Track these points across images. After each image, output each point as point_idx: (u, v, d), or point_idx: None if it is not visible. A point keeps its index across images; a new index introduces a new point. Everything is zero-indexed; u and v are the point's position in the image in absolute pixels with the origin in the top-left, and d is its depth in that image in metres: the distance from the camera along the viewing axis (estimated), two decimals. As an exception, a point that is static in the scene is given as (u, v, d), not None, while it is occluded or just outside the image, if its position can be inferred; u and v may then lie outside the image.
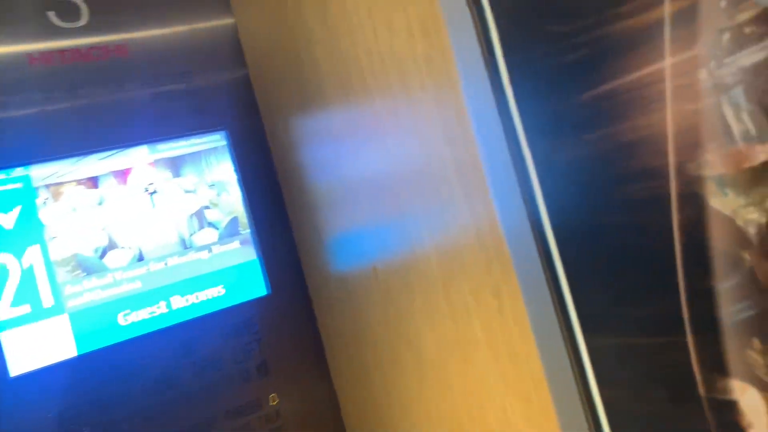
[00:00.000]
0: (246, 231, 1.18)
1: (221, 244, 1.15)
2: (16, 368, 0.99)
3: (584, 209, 0.58)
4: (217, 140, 1.19)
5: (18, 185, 1.04)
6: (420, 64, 0.76)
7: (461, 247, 0.76)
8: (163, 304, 1.10)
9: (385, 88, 0.84)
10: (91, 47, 1.10)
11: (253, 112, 1.22)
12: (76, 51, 1.09)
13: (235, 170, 1.19)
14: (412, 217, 0.85)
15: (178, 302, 1.11)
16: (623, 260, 0.55)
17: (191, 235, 1.14)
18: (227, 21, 1.23)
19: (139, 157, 1.13)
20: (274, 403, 1.14)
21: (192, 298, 1.12)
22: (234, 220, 1.17)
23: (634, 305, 0.55)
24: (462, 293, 0.77)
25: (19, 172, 1.05)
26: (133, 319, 1.08)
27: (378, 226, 0.96)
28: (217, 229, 1.16)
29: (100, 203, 1.09)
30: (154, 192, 1.13)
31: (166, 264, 1.11)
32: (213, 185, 1.17)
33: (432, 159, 0.78)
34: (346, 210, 1.04)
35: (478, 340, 0.75)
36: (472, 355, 0.77)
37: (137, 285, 1.09)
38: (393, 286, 0.93)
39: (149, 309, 1.09)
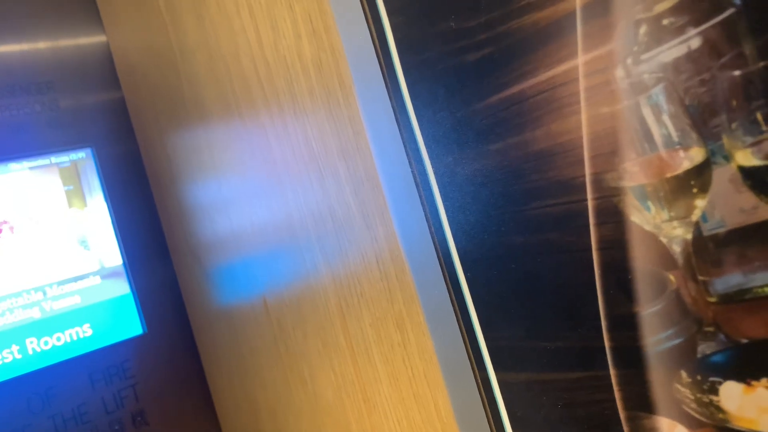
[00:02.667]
0: (117, 262, 1.03)
1: (87, 277, 1.00)
2: None
3: (492, 229, 0.51)
4: (81, 158, 1.04)
5: None
6: (308, 68, 0.68)
7: (360, 274, 0.67)
8: (15, 348, 0.94)
9: (271, 98, 0.75)
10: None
11: (125, 131, 1.09)
12: None
13: (104, 192, 1.05)
14: (305, 242, 0.76)
15: (34, 345, 0.95)
16: (536, 286, 0.49)
17: (50, 267, 0.98)
18: (98, 38, 1.10)
19: (-15, 178, 0.96)
20: (151, 459, 1.00)
21: (52, 341, 0.96)
22: (103, 249, 1.03)
23: (550, 337, 0.49)
24: (361, 326, 0.68)
25: None
26: (-25, 370, 0.90)
27: (268, 254, 0.86)
28: (83, 260, 1.01)
29: (-69, 232, 0.91)
30: (5, 221, 0.97)
31: (19, 300, 0.95)
32: (79, 211, 1.02)
33: (325, 176, 0.69)
34: (231, 236, 0.93)
35: (380, 378, 0.67)
36: (373, 396, 0.69)
37: (-19, 328, 0.92)
38: (285, 320, 0.83)
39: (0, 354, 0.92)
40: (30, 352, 0.95)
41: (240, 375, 0.94)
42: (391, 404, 0.66)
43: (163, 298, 1.06)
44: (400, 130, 0.57)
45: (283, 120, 0.73)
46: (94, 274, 1.01)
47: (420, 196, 0.57)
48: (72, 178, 1.03)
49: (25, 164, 1.00)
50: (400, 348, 0.63)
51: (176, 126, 0.97)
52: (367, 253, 0.65)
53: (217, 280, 0.99)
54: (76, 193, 1.03)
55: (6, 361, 0.93)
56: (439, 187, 0.54)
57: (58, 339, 0.97)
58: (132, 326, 1.03)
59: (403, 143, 0.57)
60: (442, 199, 0.55)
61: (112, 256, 1.03)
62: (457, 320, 0.55)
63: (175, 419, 1.03)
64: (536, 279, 0.48)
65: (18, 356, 0.94)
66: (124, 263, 1.03)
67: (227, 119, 0.85)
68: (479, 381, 0.54)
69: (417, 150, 0.56)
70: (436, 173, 0.55)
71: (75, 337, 0.98)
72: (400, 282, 0.61)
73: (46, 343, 0.96)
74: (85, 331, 0.99)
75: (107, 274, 1.02)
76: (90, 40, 1.10)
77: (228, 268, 0.96)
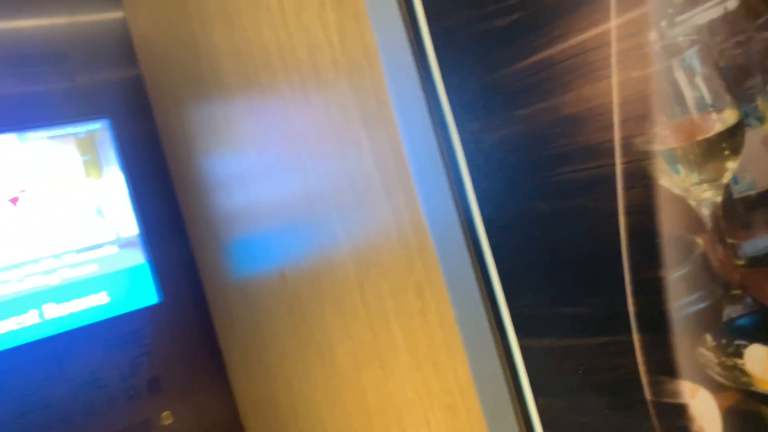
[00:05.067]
0: (133, 232, 1.04)
1: (104, 246, 1.01)
2: None
3: (517, 195, 0.52)
4: (98, 129, 1.05)
5: None
6: (332, 37, 0.68)
7: (380, 244, 0.68)
8: (34, 313, 0.95)
9: (293, 69, 0.75)
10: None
11: (142, 104, 1.09)
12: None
13: (120, 163, 1.05)
14: (324, 214, 0.76)
15: (52, 311, 0.96)
16: (561, 251, 0.49)
17: (69, 235, 0.99)
18: (116, 13, 1.10)
19: (8, 149, 0.97)
20: (168, 422, 1.01)
21: (70, 307, 0.98)
22: (119, 219, 1.03)
23: (574, 302, 0.49)
24: (380, 294, 0.69)
25: None
26: (2, 330, 0.92)
27: (286, 226, 0.87)
28: (100, 229, 1.02)
29: (-47, 197, 0.92)
30: (23, 190, 0.97)
31: (38, 267, 0.96)
32: (96, 180, 1.03)
33: (346, 147, 0.69)
34: (248, 209, 0.94)
35: (398, 346, 0.68)
36: (390, 364, 0.69)
37: (8, 290, 0.93)
38: (302, 291, 0.84)
39: (17, 319, 0.93)
40: (48, 317, 0.96)
41: (255, 345, 0.95)
42: (409, 372, 0.67)
43: (179, 269, 1.07)
44: (426, 98, 0.57)
45: (305, 91, 0.73)
46: (111, 243, 1.02)
47: (444, 164, 0.57)
48: (89, 149, 1.03)
49: (43, 134, 1.01)
50: (420, 316, 0.64)
51: (194, 98, 0.97)
52: (388, 222, 0.66)
53: (234, 253, 0.99)
54: (92, 163, 1.03)
55: (24, 325, 0.95)
56: (465, 155, 0.54)
57: (76, 306, 0.98)
58: (148, 295, 1.04)
59: (429, 111, 0.57)
60: (468, 167, 0.55)
61: (129, 225, 1.04)
62: (479, 287, 0.56)
63: (189, 387, 1.05)
64: (561, 245, 0.48)
65: (36, 321, 0.95)
66: (140, 233, 1.04)
67: (246, 91, 0.85)
68: (500, 347, 0.55)
69: (442, 117, 0.56)
70: (462, 140, 0.55)
71: (92, 305, 1.00)
72: (420, 251, 0.62)
73: (63, 309, 0.97)
74: (102, 298, 1.01)
75: (124, 244, 1.03)
76: (108, 14, 1.10)
77: (245, 240, 0.96)
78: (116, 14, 1.10)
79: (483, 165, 0.54)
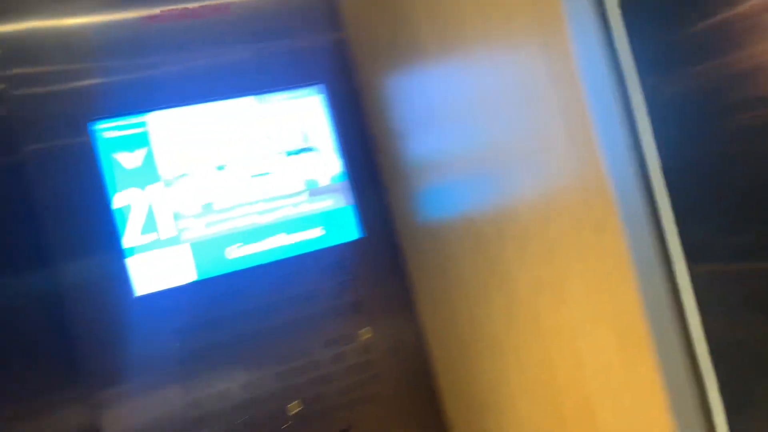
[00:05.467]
0: (341, 180, 1.24)
1: (321, 192, 1.22)
2: (141, 288, 1.10)
3: (691, 140, 0.59)
4: (314, 93, 1.25)
5: (138, 130, 1.14)
6: (525, 6, 0.78)
7: (562, 186, 0.78)
8: (268, 241, 1.19)
9: (487, 34, 0.87)
10: (201, 7, 1.18)
11: (348, 67, 1.27)
12: (188, 11, 1.17)
13: (331, 123, 1.25)
14: (510, 162, 0.88)
15: (281, 240, 1.20)
16: (732, 188, 0.57)
17: (295, 181, 1.21)
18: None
19: (246, 107, 1.21)
20: (366, 336, 1.22)
21: (294, 237, 1.20)
22: (332, 169, 1.24)
23: (740, 232, 0.57)
24: (561, 232, 0.80)
25: (138, 119, 1.15)
26: (243, 254, 1.17)
27: (474, 175, 0.99)
28: (317, 176, 1.23)
29: (213, 148, 1.18)
30: (261, 143, 1.21)
31: (271, 205, 1.20)
32: (313, 137, 1.24)
33: (533, 101, 0.80)
34: (440, 160, 1.08)
35: (574, 275, 0.78)
36: (566, 292, 0.81)
37: (247, 222, 1.18)
38: (487, 231, 0.97)
39: (257, 244, 1.18)
40: (278, 245, 1.19)
41: (441, 277, 1.11)
42: (583, 298, 0.77)
43: (376, 211, 1.25)
44: (607, 56, 0.66)
45: (497, 53, 0.85)
46: (326, 188, 1.22)
47: (622, 114, 0.66)
48: (306, 109, 1.24)
49: (272, 96, 1.22)
50: (596, 249, 0.74)
51: (393, 62, 1.13)
52: (571, 167, 0.76)
53: (424, 198, 1.15)
54: (310, 120, 1.24)
55: (259, 251, 1.18)
56: (646, 105, 0.63)
57: (298, 237, 1.21)
58: (352, 231, 1.24)
59: (610, 67, 0.66)
60: (648, 116, 0.64)
61: (338, 174, 1.23)
62: (651, 222, 0.64)
63: (383, 310, 1.23)
64: (732, 182, 0.55)
65: (269, 247, 1.19)
66: (347, 181, 1.24)
67: (442, 54, 0.98)
68: (668, 273, 0.64)
69: (621, 73, 0.65)
70: (644, 92, 0.63)
71: (310, 237, 1.21)
72: (599, 191, 0.71)
73: (289, 239, 1.20)
74: (318, 232, 1.22)
75: (335, 189, 1.23)
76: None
77: (434, 187, 1.12)
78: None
79: (663, 114, 0.62)
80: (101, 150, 1.10)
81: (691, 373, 0.66)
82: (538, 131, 0.80)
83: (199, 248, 1.15)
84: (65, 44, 1.08)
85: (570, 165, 0.75)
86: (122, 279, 1.09)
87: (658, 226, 0.64)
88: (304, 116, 1.24)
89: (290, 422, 1.16)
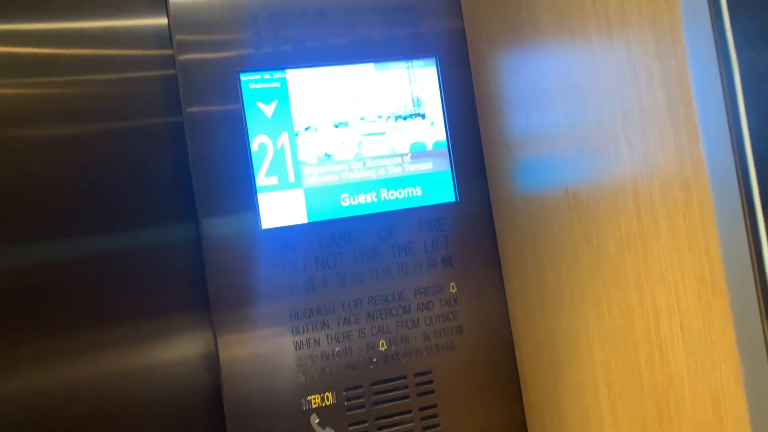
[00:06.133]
0: (444, 146, 1.37)
1: (424, 155, 1.36)
2: (266, 223, 1.27)
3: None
4: (428, 65, 1.39)
5: (277, 84, 1.31)
6: (641, -11, 0.88)
7: (658, 152, 0.88)
8: (374, 193, 1.34)
9: (602, 16, 0.98)
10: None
11: (462, 42, 1.40)
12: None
13: (441, 93, 1.39)
14: (611, 134, 0.98)
15: (385, 195, 1.34)
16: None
17: (402, 143, 1.35)
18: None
19: (366, 73, 1.36)
20: (453, 290, 1.35)
21: (396, 194, 1.35)
22: (436, 135, 1.37)
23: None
24: (650, 189, 0.90)
25: (278, 74, 1.31)
26: (352, 203, 1.32)
27: (575, 148, 1.09)
28: (422, 140, 1.37)
29: (335, 107, 1.33)
30: (376, 106, 1.35)
31: (378, 163, 1.34)
32: (423, 105, 1.38)
33: (640, 76, 0.90)
34: (541, 135, 1.19)
35: (660, 231, 0.88)
36: (650, 247, 0.91)
37: (357, 176, 1.33)
38: (581, 197, 1.08)
39: (364, 196, 1.33)
40: (383, 198, 1.34)
41: (530, 243, 1.22)
42: (666, 251, 0.87)
43: (472, 177, 1.38)
44: (714, 35, 0.76)
45: (609, 34, 0.96)
46: (429, 152, 1.35)
47: (722, 90, 0.76)
48: (419, 79, 1.37)
49: (390, 65, 1.37)
50: (683, 206, 0.84)
51: (507, 42, 1.25)
52: (668, 137, 0.86)
53: (521, 169, 1.27)
54: (420, 91, 1.37)
55: (364, 202, 1.33)
56: (741, 77, 0.72)
57: (400, 194, 1.35)
58: (448, 194, 1.37)
59: (716, 46, 0.76)
60: (743, 93, 0.73)
61: (441, 140, 1.36)
62: (738, 179, 0.74)
63: (471, 268, 1.36)
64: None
65: (375, 200, 1.33)
66: (448, 147, 1.37)
67: (558, 33, 1.10)
68: (748, 229, 0.73)
69: (727, 52, 0.74)
70: (740, 70, 0.73)
71: (411, 195, 1.35)
72: (692, 154, 0.81)
73: (392, 194, 1.34)
74: (417, 192, 1.36)
75: (437, 154, 1.36)
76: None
77: (533, 159, 1.23)
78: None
79: (757, 92, 0.71)
80: (246, 98, 1.27)
81: (761, 319, 0.76)
82: (642, 107, 0.90)
83: (314, 194, 1.31)
84: (226, 11, 1.27)
85: (667, 134, 0.86)
86: (253, 213, 1.26)
87: (746, 186, 0.73)
88: (416, 85, 1.37)
89: (376, 359, 1.30)
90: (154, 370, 1.25)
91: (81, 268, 1.24)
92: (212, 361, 1.25)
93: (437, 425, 1.31)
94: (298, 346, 1.25)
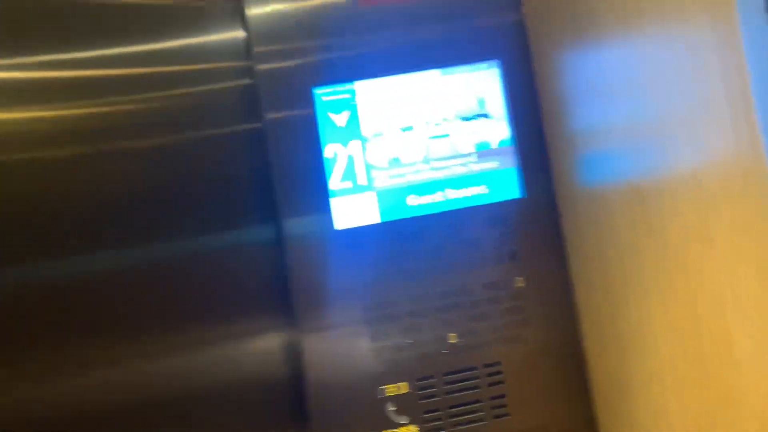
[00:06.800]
0: (509, 144, 1.42)
1: (489, 154, 1.41)
2: (339, 223, 1.36)
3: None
4: (491, 67, 1.44)
5: (347, 95, 1.40)
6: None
7: (716, 148, 0.90)
8: (440, 193, 1.40)
9: (658, 12, 1.00)
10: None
11: (524, 44, 1.44)
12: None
13: (504, 94, 1.43)
14: (672, 130, 1.00)
15: (452, 194, 1.40)
16: None
17: (467, 143, 1.41)
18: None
19: (432, 79, 1.42)
20: (520, 285, 1.39)
21: (462, 192, 1.40)
22: (501, 134, 1.42)
23: None
24: (711, 187, 0.91)
25: (348, 86, 1.40)
26: (420, 202, 1.39)
27: (638, 143, 1.12)
28: (487, 140, 1.42)
29: (402, 112, 1.41)
30: (441, 110, 1.42)
31: (444, 163, 1.40)
32: (487, 105, 1.43)
33: (699, 70, 0.92)
34: (604, 129, 1.22)
35: (723, 222, 0.90)
36: (713, 238, 0.92)
37: (424, 177, 1.40)
38: (643, 194, 1.10)
39: (431, 196, 1.40)
40: (449, 197, 1.40)
41: (595, 236, 1.25)
42: (729, 241, 0.89)
43: (538, 173, 1.42)
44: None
45: (670, 27, 0.98)
46: (494, 151, 1.41)
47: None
48: (482, 84, 1.43)
49: (455, 70, 1.42)
50: (743, 196, 0.85)
51: (568, 40, 1.28)
52: (727, 129, 0.87)
53: (585, 165, 1.30)
54: (484, 94, 1.42)
55: (432, 202, 1.39)
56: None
57: (466, 192, 1.40)
58: (514, 191, 1.41)
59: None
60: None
61: (506, 140, 1.41)
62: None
63: (537, 259, 1.40)
64: None
65: (442, 199, 1.40)
66: (513, 146, 1.41)
67: (618, 29, 1.12)
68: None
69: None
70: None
71: (477, 193, 1.41)
72: (751, 145, 0.83)
73: (458, 193, 1.40)
74: (484, 190, 1.41)
75: (502, 152, 1.41)
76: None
77: (596, 155, 1.26)
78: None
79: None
80: (319, 110, 1.37)
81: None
82: (701, 101, 0.92)
83: (384, 195, 1.39)
84: (299, 24, 1.37)
85: (727, 127, 0.88)
86: (326, 215, 1.36)
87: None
88: (480, 87, 1.43)
89: (446, 350, 1.37)
90: (237, 363, 1.36)
91: (170, 270, 1.37)
92: (293, 353, 1.34)
93: (507, 414, 1.36)
94: (372, 337, 1.34)
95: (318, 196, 1.36)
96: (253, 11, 1.37)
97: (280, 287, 1.36)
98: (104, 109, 1.38)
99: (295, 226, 1.35)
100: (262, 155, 1.37)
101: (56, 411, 1.32)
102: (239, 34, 1.41)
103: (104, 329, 1.34)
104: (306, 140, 1.37)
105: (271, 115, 1.36)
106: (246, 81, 1.40)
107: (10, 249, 1.33)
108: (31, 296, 1.33)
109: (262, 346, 1.39)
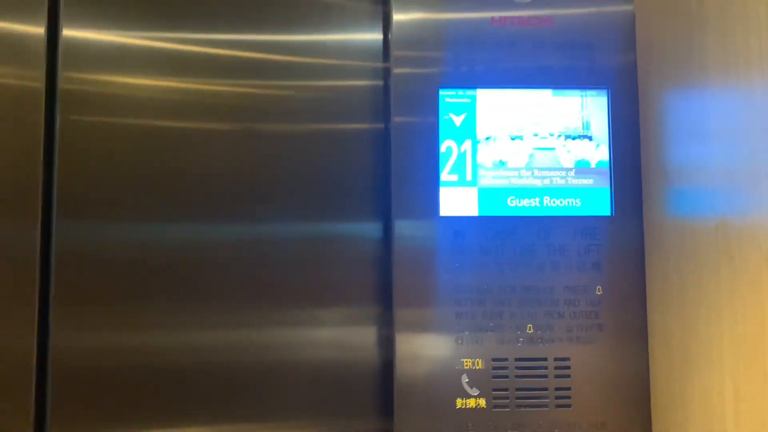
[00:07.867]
0: (605, 166, 1.56)
1: (587, 172, 1.56)
2: (444, 211, 1.54)
3: None
4: (600, 95, 1.58)
5: (467, 100, 1.58)
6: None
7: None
8: (538, 199, 1.56)
9: (765, 58, 1.12)
10: (531, 17, 1.58)
11: (633, 77, 1.58)
12: (521, 18, 1.58)
13: (609, 119, 1.58)
14: (756, 174, 1.13)
15: (548, 202, 1.56)
16: None
17: (568, 159, 1.56)
18: (627, 7, 1.60)
19: (544, 97, 1.58)
20: (599, 293, 1.53)
21: (558, 202, 1.56)
22: (600, 155, 1.56)
23: None
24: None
25: (470, 92, 1.58)
26: (517, 204, 1.55)
27: (726, 183, 1.24)
28: (587, 158, 1.57)
29: (514, 122, 1.57)
30: (549, 126, 1.57)
31: (545, 174, 1.56)
32: (592, 128, 1.58)
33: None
34: (698, 167, 1.35)
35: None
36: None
37: (524, 182, 1.56)
38: (730, 231, 1.22)
39: (529, 200, 1.56)
40: (545, 204, 1.55)
41: (674, 260, 1.38)
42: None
43: (629, 198, 1.55)
44: None
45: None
46: (591, 170, 1.55)
47: None
48: (589, 109, 1.58)
49: (566, 92, 1.58)
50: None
51: (676, 75, 1.42)
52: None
53: (675, 196, 1.43)
54: (589, 119, 1.57)
55: (529, 206, 1.54)
56: None
57: (561, 202, 1.55)
58: (605, 209, 1.55)
59: None
60: None
61: (605, 160, 1.55)
62: None
63: (617, 272, 1.52)
64: None
65: (538, 205, 1.55)
66: (609, 168, 1.55)
67: (724, 75, 1.25)
68: None
69: None
70: None
71: (570, 204, 1.55)
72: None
73: (554, 202, 1.55)
74: (577, 203, 1.56)
75: (599, 173, 1.56)
76: (619, 7, 1.59)
77: (688, 187, 1.38)
78: (627, 7, 1.59)
79: None
80: (441, 109, 1.56)
81: None
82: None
83: (486, 193, 1.56)
84: (436, 33, 1.56)
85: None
86: (434, 203, 1.54)
87: None
88: (587, 111, 1.58)
89: (523, 339, 1.52)
90: (331, 340, 1.52)
91: (283, 251, 1.53)
92: (384, 325, 1.52)
93: (569, 405, 1.49)
94: (458, 315, 1.51)
95: (429, 185, 1.55)
96: (400, 17, 1.57)
97: (383, 280, 1.53)
98: (258, 90, 1.59)
99: (405, 209, 1.53)
100: (382, 153, 1.56)
101: (162, 363, 1.45)
102: (376, 36, 1.61)
103: (216, 296, 1.48)
104: (427, 138, 1.55)
105: (399, 115, 1.55)
106: (376, 82, 1.59)
107: (151, 209, 1.48)
108: (162, 257, 1.47)
109: (358, 334, 1.54)
